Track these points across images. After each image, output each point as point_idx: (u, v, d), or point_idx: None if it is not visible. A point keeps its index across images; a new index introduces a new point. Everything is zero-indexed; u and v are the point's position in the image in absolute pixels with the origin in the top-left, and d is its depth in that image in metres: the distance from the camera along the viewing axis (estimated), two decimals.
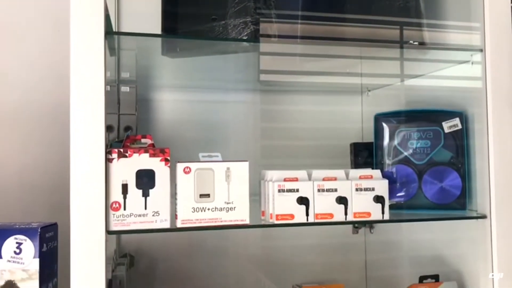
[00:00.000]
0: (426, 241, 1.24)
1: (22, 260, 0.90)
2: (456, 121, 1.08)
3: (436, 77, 1.20)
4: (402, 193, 1.11)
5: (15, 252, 0.90)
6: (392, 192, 1.03)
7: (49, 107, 1.23)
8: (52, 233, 0.95)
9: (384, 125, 1.14)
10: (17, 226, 0.92)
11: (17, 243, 0.91)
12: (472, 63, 1.06)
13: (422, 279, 1.09)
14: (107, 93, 0.84)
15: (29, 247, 0.90)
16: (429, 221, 1.19)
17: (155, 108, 1.31)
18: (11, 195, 1.21)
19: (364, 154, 1.25)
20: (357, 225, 1.43)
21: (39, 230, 0.90)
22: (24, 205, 1.21)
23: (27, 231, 0.91)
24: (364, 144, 1.28)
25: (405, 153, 1.12)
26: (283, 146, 1.39)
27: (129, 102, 1.19)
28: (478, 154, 1.06)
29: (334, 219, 0.95)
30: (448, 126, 1.09)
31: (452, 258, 1.15)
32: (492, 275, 1.00)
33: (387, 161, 1.13)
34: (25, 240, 0.91)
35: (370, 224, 1.39)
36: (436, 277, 1.10)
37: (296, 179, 0.95)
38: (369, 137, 1.23)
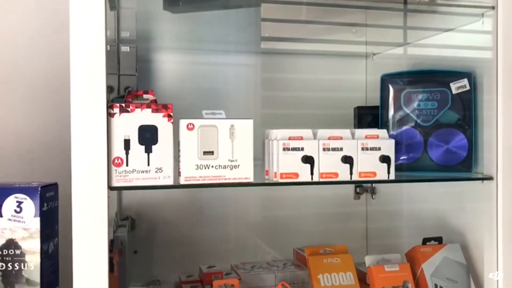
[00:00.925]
0: (429, 206, 1.24)
1: (23, 219, 0.90)
2: (464, 81, 1.06)
3: (444, 42, 1.17)
4: (407, 155, 1.09)
5: (15, 211, 0.90)
6: (397, 154, 1.01)
7: (49, 69, 1.20)
8: (53, 192, 0.95)
9: (390, 86, 1.12)
10: (17, 185, 0.91)
11: (17, 202, 0.90)
12: (483, 22, 1.04)
13: (425, 241, 1.09)
14: (107, 52, 0.81)
15: (30, 206, 0.90)
16: (434, 185, 1.19)
17: (156, 69, 1.29)
18: (11, 159, 1.19)
19: (368, 119, 1.22)
20: (359, 191, 1.43)
21: (39, 189, 0.90)
22: (24, 169, 1.19)
23: (27, 190, 0.90)
24: (368, 108, 1.25)
25: (411, 115, 1.10)
26: (284, 114, 1.37)
27: (129, 62, 1.16)
28: (485, 116, 1.04)
29: (339, 179, 0.94)
30: (456, 87, 1.06)
31: (456, 222, 1.14)
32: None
33: (393, 122, 1.11)
34: (26, 199, 0.90)
35: (373, 186, 1.39)
36: (439, 239, 1.10)
37: (301, 138, 0.93)
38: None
